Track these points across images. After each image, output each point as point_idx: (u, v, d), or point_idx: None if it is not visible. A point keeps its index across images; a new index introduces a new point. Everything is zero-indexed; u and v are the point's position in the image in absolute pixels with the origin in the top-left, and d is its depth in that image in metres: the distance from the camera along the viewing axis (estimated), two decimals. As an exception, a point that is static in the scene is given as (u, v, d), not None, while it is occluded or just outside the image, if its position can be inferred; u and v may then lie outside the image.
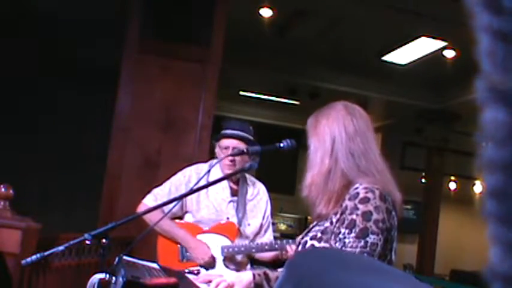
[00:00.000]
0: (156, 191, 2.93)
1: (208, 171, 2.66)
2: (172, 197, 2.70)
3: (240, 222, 2.84)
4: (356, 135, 1.70)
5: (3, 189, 2.83)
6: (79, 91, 5.46)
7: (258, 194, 2.95)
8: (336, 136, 1.70)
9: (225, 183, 2.85)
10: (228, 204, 2.87)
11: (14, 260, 2.61)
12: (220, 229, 2.83)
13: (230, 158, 2.75)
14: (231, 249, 2.77)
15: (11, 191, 2.84)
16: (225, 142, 2.81)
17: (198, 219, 2.86)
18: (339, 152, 1.69)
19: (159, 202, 2.54)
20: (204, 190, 2.81)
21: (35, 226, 2.85)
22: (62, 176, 5.27)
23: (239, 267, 2.83)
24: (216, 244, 2.80)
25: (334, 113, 1.75)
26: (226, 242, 2.81)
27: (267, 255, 2.83)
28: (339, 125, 1.71)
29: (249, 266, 2.92)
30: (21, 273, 2.75)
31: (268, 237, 2.95)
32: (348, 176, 1.67)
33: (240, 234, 2.85)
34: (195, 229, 2.85)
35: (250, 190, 2.93)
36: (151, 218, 2.65)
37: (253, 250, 2.79)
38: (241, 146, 2.76)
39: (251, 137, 2.85)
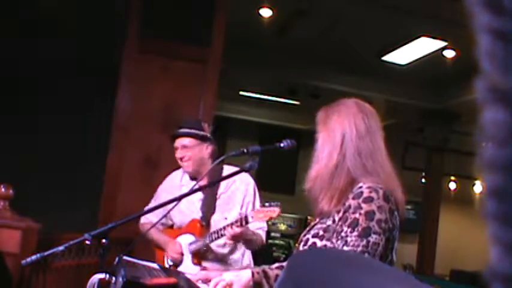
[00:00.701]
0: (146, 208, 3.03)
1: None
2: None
3: (205, 218, 2.83)
4: (366, 135, 1.69)
5: (3, 189, 2.83)
6: (79, 91, 5.46)
7: (233, 184, 2.87)
8: (346, 133, 1.69)
9: (193, 183, 2.80)
10: (198, 203, 2.89)
11: (14, 260, 2.61)
12: (187, 228, 2.89)
13: (178, 156, 2.84)
14: (194, 245, 2.81)
15: (11, 191, 2.84)
16: (175, 144, 2.88)
17: (177, 223, 2.96)
18: (348, 149, 1.68)
19: (150, 215, 2.82)
20: (167, 196, 2.84)
21: (34, 226, 2.85)
22: (62, 176, 5.26)
23: (217, 261, 2.82)
24: (185, 243, 2.86)
25: (345, 109, 1.74)
26: (193, 239, 2.84)
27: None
28: (350, 122, 1.70)
29: (237, 257, 2.87)
30: (21, 273, 2.75)
31: (252, 226, 2.77)
32: (353, 174, 1.66)
33: (206, 229, 2.81)
34: (174, 233, 2.95)
35: (223, 183, 2.85)
36: (146, 228, 2.93)
37: (208, 242, 2.75)
38: (186, 141, 2.82)
39: (200, 132, 2.85)
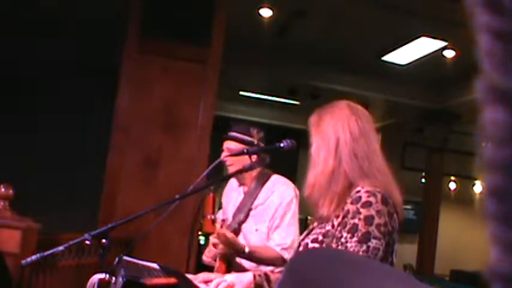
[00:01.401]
0: None
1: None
2: (223, 207, 2.97)
3: (234, 223, 2.78)
4: (360, 136, 1.68)
5: (3, 189, 2.83)
6: (79, 91, 5.46)
7: (271, 197, 2.79)
8: (340, 136, 1.68)
9: (241, 189, 2.84)
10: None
11: (14, 260, 2.61)
12: None
13: (225, 159, 2.79)
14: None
15: (11, 191, 2.84)
16: (224, 144, 2.87)
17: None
18: (343, 152, 1.67)
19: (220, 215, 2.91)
20: (225, 198, 2.94)
21: (35, 226, 2.85)
22: (62, 176, 5.27)
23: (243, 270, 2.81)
24: None
25: (338, 111, 1.73)
26: None
27: None
28: (343, 125, 1.69)
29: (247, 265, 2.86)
30: (21, 273, 2.75)
31: (274, 237, 2.71)
32: (350, 177, 1.66)
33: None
34: None
35: (263, 193, 2.80)
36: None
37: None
38: (230, 145, 2.79)
39: (247, 138, 2.82)
